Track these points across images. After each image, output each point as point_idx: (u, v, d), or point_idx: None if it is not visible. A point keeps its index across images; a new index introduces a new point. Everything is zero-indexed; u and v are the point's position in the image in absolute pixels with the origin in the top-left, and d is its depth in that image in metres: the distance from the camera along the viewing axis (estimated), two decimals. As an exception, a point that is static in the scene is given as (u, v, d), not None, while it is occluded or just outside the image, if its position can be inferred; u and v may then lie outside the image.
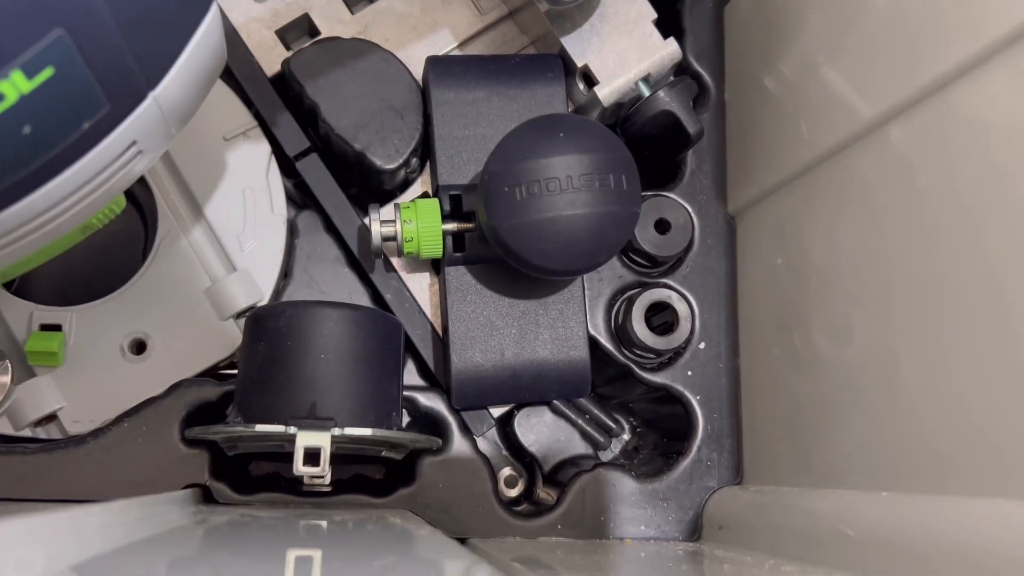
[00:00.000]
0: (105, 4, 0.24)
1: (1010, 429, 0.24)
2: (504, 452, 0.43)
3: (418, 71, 0.41)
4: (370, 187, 0.41)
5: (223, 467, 0.38)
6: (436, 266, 0.41)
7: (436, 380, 0.41)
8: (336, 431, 0.33)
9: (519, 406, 0.42)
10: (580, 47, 0.39)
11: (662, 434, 0.43)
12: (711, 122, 0.42)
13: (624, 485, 0.39)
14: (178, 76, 0.27)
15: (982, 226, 0.26)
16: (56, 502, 0.36)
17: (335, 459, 0.33)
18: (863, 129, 0.32)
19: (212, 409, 0.38)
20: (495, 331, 0.39)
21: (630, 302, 0.40)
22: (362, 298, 0.42)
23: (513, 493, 0.42)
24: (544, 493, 0.42)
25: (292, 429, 0.33)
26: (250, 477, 0.40)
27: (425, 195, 0.42)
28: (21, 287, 0.41)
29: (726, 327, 0.41)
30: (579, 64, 0.39)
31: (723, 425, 0.40)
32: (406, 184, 0.42)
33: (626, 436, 0.44)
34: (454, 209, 0.39)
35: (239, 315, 0.39)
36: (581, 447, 0.43)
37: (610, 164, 0.34)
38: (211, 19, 0.28)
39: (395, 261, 0.41)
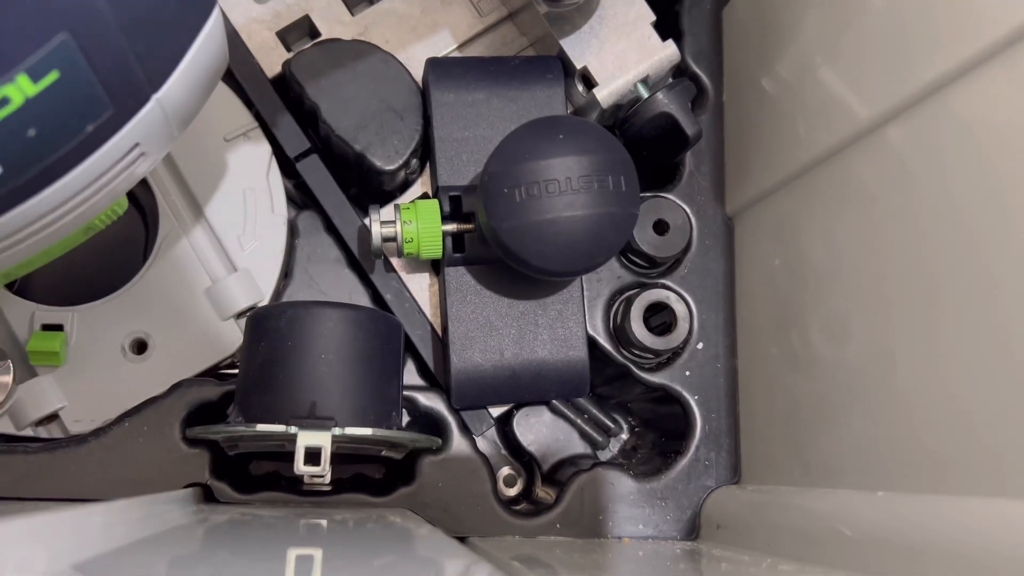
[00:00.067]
0: (109, 8, 0.24)
1: (1006, 429, 0.25)
2: (503, 451, 0.43)
3: (418, 72, 0.41)
4: (370, 188, 0.42)
5: (224, 466, 0.38)
6: (436, 267, 0.41)
7: (436, 380, 0.41)
8: (336, 431, 0.33)
9: (518, 406, 0.42)
10: (579, 49, 0.40)
11: (660, 434, 0.43)
12: (709, 123, 0.42)
13: (622, 484, 0.40)
14: (181, 79, 0.27)
15: (979, 227, 0.26)
16: (57, 501, 0.36)
17: (335, 458, 0.33)
18: (861, 130, 0.32)
19: (213, 409, 0.38)
20: (494, 331, 0.39)
21: (629, 302, 0.40)
22: (362, 298, 0.43)
23: (512, 492, 0.42)
24: (543, 492, 0.42)
25: (293, 429, 0.33)
26: (251, 476, 0.40)
27: (425, 196, 0.42)
28: (23, 287, 0.41)
29: (724, 327, 0.41)
30: (578, 66, 0.39)
31: (721, 425, 0.40)
32: (406, 185, 0.42)
33: (624, 436, 0.44)
34: (454, 210, 0.39)
35: (240, 315, 0.40)
36: (580, 447, 0.43)
37: (609, 166, 0.34)
38: (213, 22, 0.28)
39: (395, 262, 0.41)
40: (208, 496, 0.37)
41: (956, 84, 0.27)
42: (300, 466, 0.32)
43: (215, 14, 0.28)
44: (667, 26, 0.42)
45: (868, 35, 0.32)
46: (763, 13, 0.39)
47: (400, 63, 0.40)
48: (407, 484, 0.39)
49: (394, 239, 0.38)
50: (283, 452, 0.35)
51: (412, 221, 0.38)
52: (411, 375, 0.42)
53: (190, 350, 0.39)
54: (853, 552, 0.29)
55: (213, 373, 0.40)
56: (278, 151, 0.41)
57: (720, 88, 0.43)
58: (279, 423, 0.33)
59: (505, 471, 0.42)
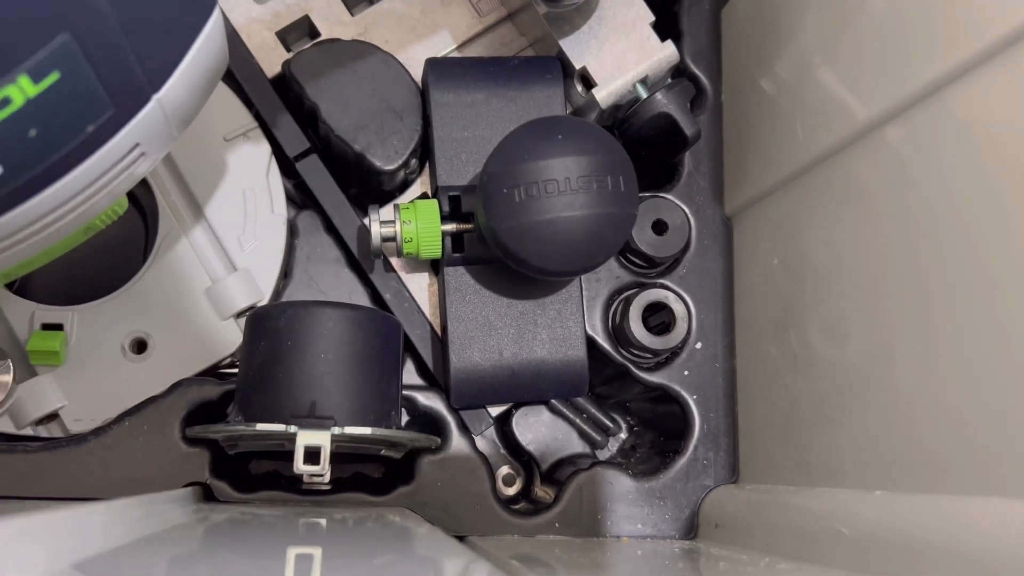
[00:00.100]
0: (110, 8, 0.24)
1: (1003, 428, 0.25)
2: (502, 451, 0.43)
3: (417, 73, 0.41)
4: (370, 188, 0.42)
5: (223, 466, 0.38)
6: (435, 266, 0.42)
7: (435, 379, 0.41)
8: (336, 430, 0.33)
9: (517, 405, 0.43)
10: (578, 49, 0.40)
11: (659, 433, 0.43)
12: (708, 124, 0.43)
13: (621, 484, 0.40)
14: (181, 79, 0.27)
15: (977, 226, 0.26)
16: (57, 500, 0.36)
17: (335, 458, 0.33)
18: (859, 131, 0.32)
19: (213, 408, 0.38)
20: (494, 331, 0.39)
21: (627, 302, 0.40)
22: (362, 298, 0.43)
23: (511, 491, 0.42)
24: (542, 491, 0.42)
25: (292, 428, 0.33)
26: (250, 475, 0.40)
27: (424, 196, 0.42)
28: (23, 287, 0.41)
29: (723, 327, 0.41)
30: (577, 66, 0.39)
31: (719, 424, 0.41)
32: (405, 185, 0.42)
33: (623, 435, 0.44)
34: (453, 210, 0.39)
35: (239, 315, 0.40)
36: (578, 446, 0.44)
37: (608, 166, 0.34)
38: (214, 22, 0.28)
39: (394, 261, 0.42)
40: (208, 495, 0.37)
41: (955, 84, 0.27)
42: (300, 465, 0.32)
43: (215, 14, 0.28)
44: (666, 26, 0.42)
45: (867, 35, 0.32)
46: (762, 13, 0.39)
47: (400, 63, 0.40)
48: (406, 483, 0.39)
49: (393, 239, 0.38)
50: (283, 451, 0.35)
51: (411, 221, 0.38)
52: (410, 375, 0.42)
53: (190, 350, 0.39)
54: (851, 551, 0.29)
55: (213, 372, 0.40)
56: (278, 151, 0.41)
57: (719, 88, 0.43)
58: (279, 422, 0.33)
59: (504, 470, 0.43)
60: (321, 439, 0.33)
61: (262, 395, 0.34)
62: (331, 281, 0.43)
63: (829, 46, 0.34)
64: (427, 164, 0.42)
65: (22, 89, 0.23)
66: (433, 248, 0.38)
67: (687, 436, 0.40)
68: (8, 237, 0.27)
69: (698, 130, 0.39)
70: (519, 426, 0.43)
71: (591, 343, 0.41)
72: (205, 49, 0.28)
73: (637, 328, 0.39)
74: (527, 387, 0.40)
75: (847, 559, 0.29)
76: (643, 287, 0.41)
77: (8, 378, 0.38)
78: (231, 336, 0.39)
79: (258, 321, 0.35)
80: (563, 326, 0.40)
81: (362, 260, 0.41)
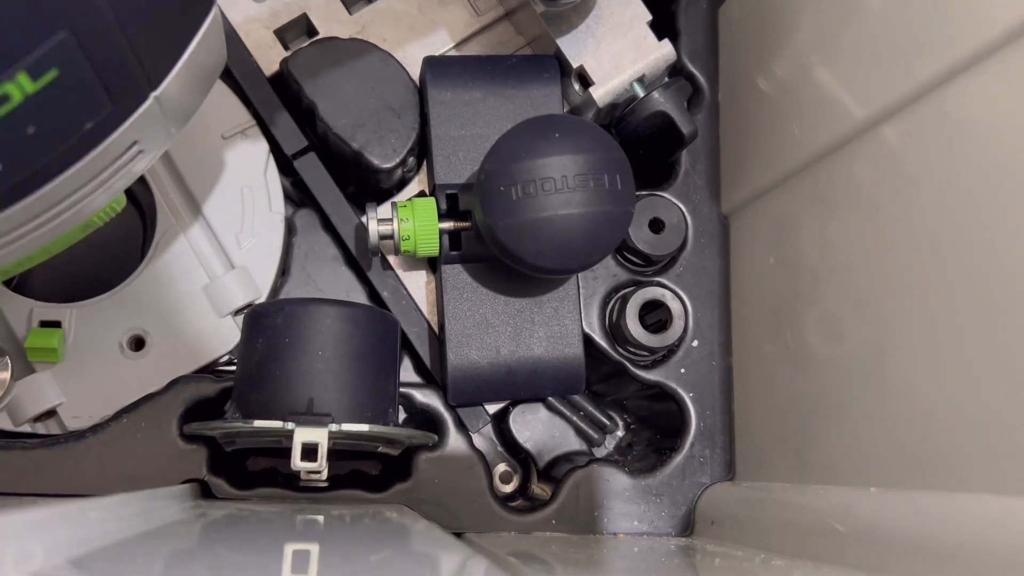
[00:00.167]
0: (108, 6, 0.24)
1: (999, 425, 0.25)
2: (499, 448, 0.43)
3: (415, 71, 0.41)
4: (367, 186, 0.42)
5: (221, 462, 0.38)
6: (433, 264, 0.42)
7: (432, 377, 0.41)
8: (333, 427, 0.33)
9: (514, 403, 0.43)
10: (576, 48, 0.40)
11: (655, 431, 0.43)
12: (705, 123, 0.43)
13: (618, 481, 0.40)
14: (179, 76, 0.27)
15: (973, 225, 0.26)
16: (55, 496, 0.36)
17: (332, 455, 0.33)
18: (856, 130, 0.32)
19: (210, 405, 0.38)
20: (491, 329, 0.39)
21: (624, 300, 0.40)
22: (359, 296, 0.43)
23: (508, 489, 0.42)
24: (539, 489, 0.42)
25: (290, 425, 0.33)
26: (248, 472, 0.40)
27: (422, 194, 0.42)
28: (21, 284, 0.41)
29: (719, 325, 0.41)
30: (574, 65, 0.40)
31: (716, 422, 0.41)
32: (403, 183, 0.42)
33: (620, 433, 0.44)
34: (450, 208, 0.39)
35: (237, 312, 0.40)
36: (575, 443, 0.44)
37: (605, 164, 0.34)
38: (212, 20, 0.28)
39: (392, 259, 0.42)
40: (205, 492, 0.37)
41: (951, 83, 0.27)
42: (297, 462, 0.32)
43: (214, 12, 0.28)
44: (663, 25, 0.42)
45: (863, 34, 0.32)
46: (759, 12, 0.39)
47: (397, 62, 0.40)
48: (403, 480, 0.39)
49: (391, 237, 0.38)
50: (280, 448, 0.35)
51: (409, 219, 0.38)
52: (408, 372, 0.43)
53: (188, 347, 0.39)
54: (846, 548, 0.29)
55: (210, 370, 0.40)
56: (276, 149, 0.41)
57: (716, 87, 0.43)
58: (276, 419, 0.33)
59: (501, 468, 0.43)
60: (318, 436, 0.33)
61: (260, 392, 0.34)
62: (329, 279, 0.43)
63: (826, 45, 0.34)
64: (425, 162, 0.42)
65: (20, 86, 0.23)
66: (430, 246, 0.38)
67: (683, 433, 0.41)
68: (6, 234, 0.27)
69: (695, 129, 0.39)
70: (516, 423, 0.43)
71: (588, 341, 0.41)
72: (203, 47, 0.28)
73: (634, 326, 0.40)
74: (524, 385, 0.40)
75: (842, 556, 0.29)
76: (640, 285, 0.41)
77: (6, 375, 0.38)
78: (229, 333, 0.40)
79: (256, 318, 0.36)
80: (560, 324, 0.40)
81: (360, 258, 0.42)
